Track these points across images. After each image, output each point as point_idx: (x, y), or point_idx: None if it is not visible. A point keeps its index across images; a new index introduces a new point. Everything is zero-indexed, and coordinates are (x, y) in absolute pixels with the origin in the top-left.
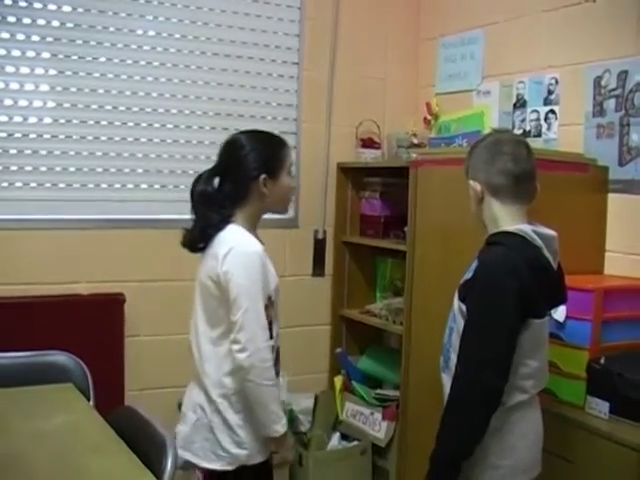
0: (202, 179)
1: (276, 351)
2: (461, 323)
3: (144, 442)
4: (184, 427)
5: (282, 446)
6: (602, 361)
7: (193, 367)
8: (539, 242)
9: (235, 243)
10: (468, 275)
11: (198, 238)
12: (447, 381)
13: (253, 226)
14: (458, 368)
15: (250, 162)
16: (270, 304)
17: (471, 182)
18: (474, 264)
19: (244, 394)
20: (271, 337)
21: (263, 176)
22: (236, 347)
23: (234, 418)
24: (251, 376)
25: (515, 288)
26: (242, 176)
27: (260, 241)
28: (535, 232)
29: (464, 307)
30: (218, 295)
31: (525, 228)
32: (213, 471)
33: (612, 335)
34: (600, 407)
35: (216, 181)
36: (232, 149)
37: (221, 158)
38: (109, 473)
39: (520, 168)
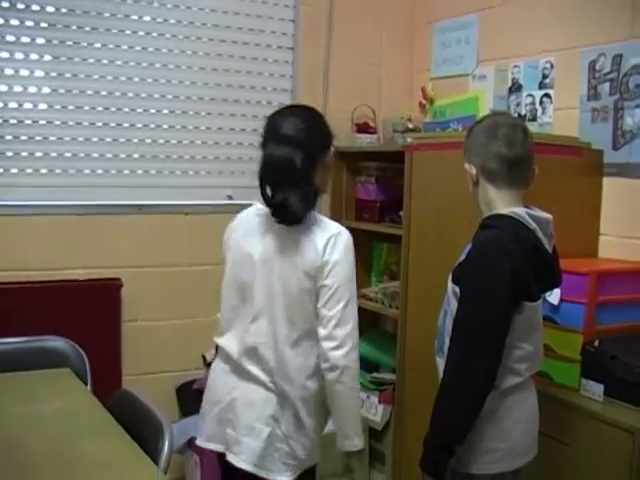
0: (287, 157)
1: None
2: (455, 306)
3: (141, 426)
4: (255, 442)
5: (359, 465)
6: (596, 344)
7: (252, 374)
8: (533, 225)
9: (334, 230)
10: (462, 258)
11: (301, 211)
12: (441, 364)
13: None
14: (451, 350)
15: (320, 135)
16: None
17: (466, 165)
18: (468, 247)
19: (321, 397)
20: None
21: (332, 148)
22: (331, 344)
23: (309, 422)
24: (344, 377)
25: (507, 270)
26: (319, 148)
27: None
28: (529, 215)
29: (457, 289)
30: (311, 289)
31: (519, 211)
32: None
33: (606, 318)
34: (594, 389)
35: (299, 153)
36: (310, 121)
37: (300, 131)
38: (106, 456)
39: (514, 153)
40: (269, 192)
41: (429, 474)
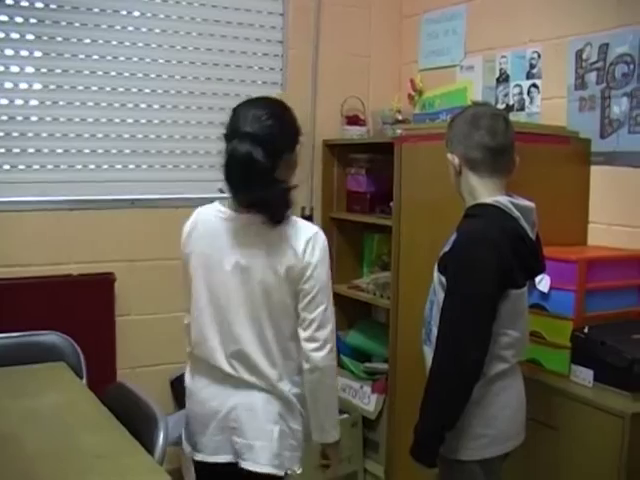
0: (254, 154)
1: None
2: (441, 295)
3: (136, 418)
4: (269, 443)
5: (336, 455)
6: (586, 330)
7: (245, 380)
8: (516, 213)
9: (312, 230)
10: (447, 248)
11: (281, 215)
12: (429, 354)
13: None
14: (439, 340)
15: (287, 132)
16: None
17: (449, 155)
18: (453, 237)
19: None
20: None
21: (298, 146)
22: (313, 346)
23: (305, 415)
24: (324, 377)
25: (493, 259)
26: (286, 145)
27: None
28: (512, 203)
29: (444, 279)
30: (293, 292)
31: (502, 200)
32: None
33: (595, 305)
34: (584, 375)
35: (261, 151)
36: (278, 117)
37: (259, 131)
38: (102, 449)
39: (496, 142)
40: (235, 192)
41: (420, 462)
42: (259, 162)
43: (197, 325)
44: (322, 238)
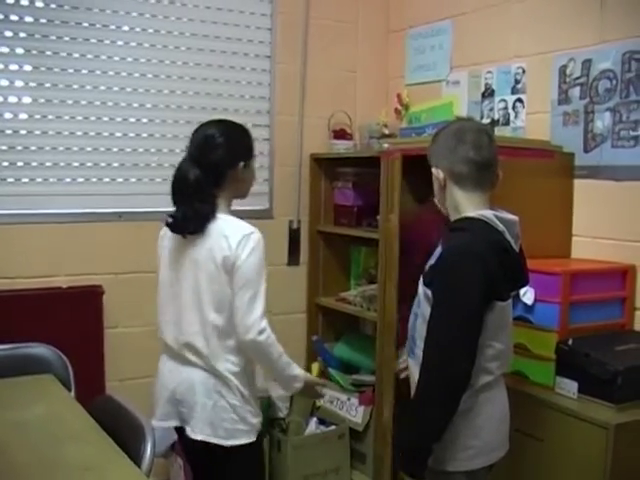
0: (186, 169)
1: None
2: (426, 308)
3: (124, 430)
4: (204, 415)
5: (312, 391)
6: (570, 342)
7: (190, 359)
8: (501, 227)
9: (246, 231)
10: (432, 261)
11: (193, 225)
12: (414, 366)
13: (229, 213)
14: (426, 353)
15: (229, 151)
16: None
17: (434, 170)
18: (438, 250)
19: (250, 370)
20: None
21: (242, 163)
22: (242, 330)
23: (247, 392)
24: (259, 354)
25: (480, 273)
26: (224, 164)
27: None
28: (497, 217)
29: (429, 292)
30: (227, 280)
31: (487, 213)
32: (240, 446)
33: (579, 317)
34: (569, 387)
35: (197, 171)
36: (210, 140)
37: (199, 149)
38: (89, 461)
39: (481, 156)
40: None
41: (412, 475)
42: (190, 181)
43: (159, 310)
44: (257, 238)
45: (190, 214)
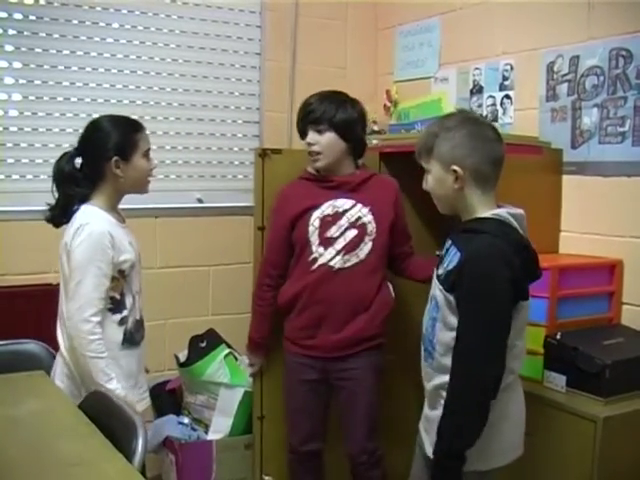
0: (64, 159)
1: (136, 321)
2: (447, 314)
3: (115, 426)
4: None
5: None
6: (558, 337)
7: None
8: (515, 224)
9: (83, 221)
10: (451, 265)
11: (60, 215)
12: (430, 371)
13: (112, 205)
14: (458, 360)
15: (105, 144)
16: (122, 277)
17: (457, 168)
18: (454, 252)
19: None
20: (124, 309)
21: (115, 158)
22: (66, 315)
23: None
24: (75, 344)
25: (508, 276)
26: (97, 157)
27: (120, 219)
28: (509, 214)
29: (451, 298)
30: (68, 267)
31: (501, 212)
32: None
33: (567, 311)
34: (557, 381)
35: (77, 161)
36: (91, 131)
37: (81, 139)
38: (80, 456)
39: (503, 154)
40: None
41: None
42: (63, 168)
43: None
44: (88, 230)
45: (59, 204)
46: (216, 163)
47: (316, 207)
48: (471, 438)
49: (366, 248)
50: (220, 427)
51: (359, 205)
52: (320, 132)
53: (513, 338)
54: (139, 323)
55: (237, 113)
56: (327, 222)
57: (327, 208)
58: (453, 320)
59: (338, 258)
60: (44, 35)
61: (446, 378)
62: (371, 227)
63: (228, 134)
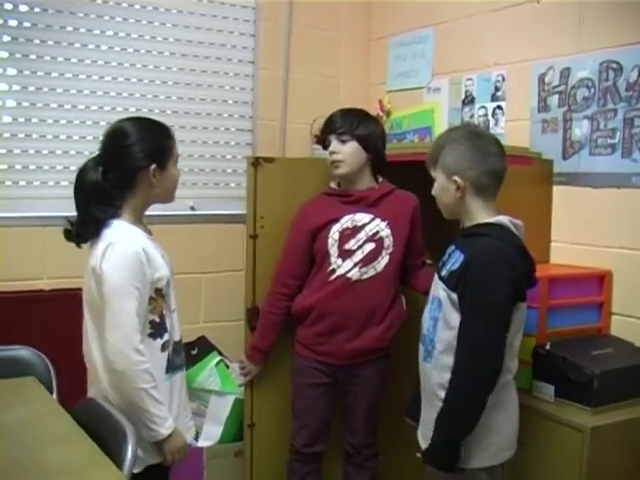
0: (88, 170)
1: (175, 343)
2: (450, 313)
3: (105, 433)
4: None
5: (170, 448)
6: (547, 346)
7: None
8: (516, 231)
9: (113, 240)
10: (455, 266)
11: (91, 233)
12: (430, 370)
13: (139, 217)
14: (461, 354)
15: (138, 151)
16: (160, 297)
17: (458, 179)
18: (457, 254)
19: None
20: (164, 332)
21: (153, 166)
22: (108, 350)
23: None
24: (123, 377)
25: (510, 276)
26: (130, 166)
27: (147, 231)
28: (510, 222)
29: (454, 296)
30: (98, 291)
31: (503, 219)
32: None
33: (557, 321)
34: (546, 390)
35: (100, 171)
36: (119, 137)
37: (106, 147)
38: (70, 463)
39: (503, 167)
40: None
41: (443, 468)
42: (87, 181)
43: None
44: (121, 250)
45: (85, 220)
46: (209, 171)
47: (336, 220)
48: (468, 428)
49: (383, 261)
50: (210, 434)
51: (377, 219)
52: (343, 142)
53: (511, 338)
54: (179, 345)
55: (230, 121)
56: (346, 235)
57: (346, 222)
58: (455, 318)
59: (355, 270)
60: (38, 42)
61: (445, 376)
62: (388, 241)
63: (221, 142)
